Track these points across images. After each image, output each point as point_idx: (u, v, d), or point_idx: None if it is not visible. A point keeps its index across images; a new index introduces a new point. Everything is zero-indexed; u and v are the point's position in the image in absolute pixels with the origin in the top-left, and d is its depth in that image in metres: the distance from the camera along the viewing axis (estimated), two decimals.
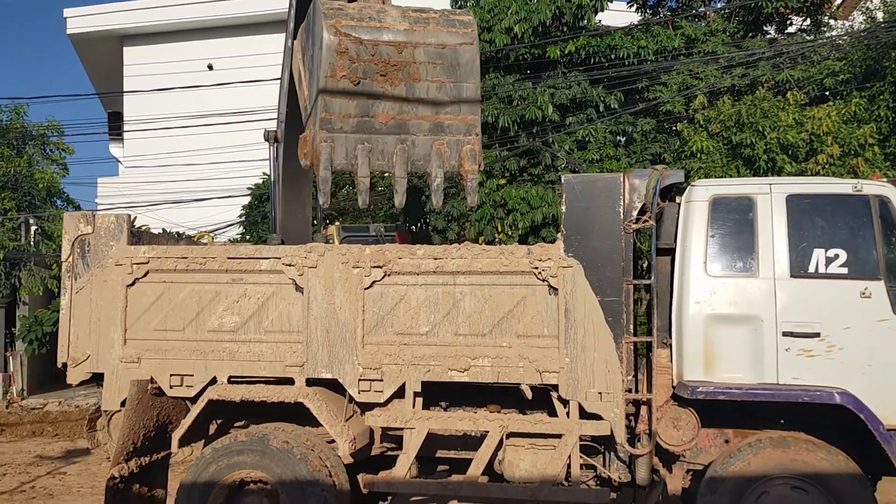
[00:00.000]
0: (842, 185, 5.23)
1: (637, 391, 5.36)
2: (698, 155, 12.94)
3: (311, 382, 5.34)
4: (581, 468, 5.29)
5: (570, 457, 5.15)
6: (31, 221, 18.91)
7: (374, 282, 5.32)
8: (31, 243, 18.52)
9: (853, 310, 4.92)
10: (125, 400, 5.34)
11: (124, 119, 20.50)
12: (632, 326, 5.20)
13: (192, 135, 18.81)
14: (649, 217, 5.22)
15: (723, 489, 4.97)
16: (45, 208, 19.18)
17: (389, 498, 6.74)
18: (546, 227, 15.90)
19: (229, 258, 5.41)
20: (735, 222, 5.19)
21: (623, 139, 15.74)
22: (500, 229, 16.52)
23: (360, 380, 5.28)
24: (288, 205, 7.09)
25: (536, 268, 5.19)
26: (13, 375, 17.15)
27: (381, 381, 5.28)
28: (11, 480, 9.18)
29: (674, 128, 14.89)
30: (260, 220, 16.86)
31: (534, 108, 16.52)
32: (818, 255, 5.02)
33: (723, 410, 5.19)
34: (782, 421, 5.22)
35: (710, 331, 5.09)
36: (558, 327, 5.15)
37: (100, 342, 5.46)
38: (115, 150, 23.33)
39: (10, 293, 17.05)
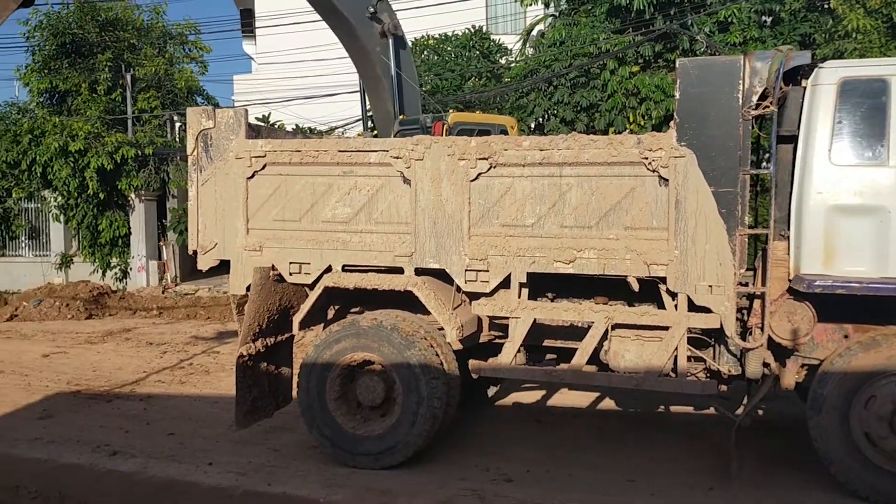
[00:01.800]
0: None
1: (753, 285, 5.25)
2: (853, 35, 11.88)
3: (419, 272, 5.56)
4: (689, 360, 5.31)
5: (676, 349, 5.17)
6: (175, 118, 20.08)
7: (479, 174, 5.39)
8: (177, 139, 19.73)
9: None
10: (250, 285, 5.78)
11: (255, 16, 21.00)
12: (746, 218, 5.03)
13: (322, 29, 19.04)
14: (770, 102, 4.94)
15: (834, 384, 4.86)
16: (186, 106, 20.27)
17: (498, 385, 7.05)
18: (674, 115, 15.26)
19: (340, 151, 5.61)
20: (865, 107, 4.85)
21: (769, 19, 14.63)
22: (631, 119, 16.03)
23: (466, 270, 5.45)
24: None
25: (646, 158, 5.08)
26: (167, 263, 18.74)
27: (487, 271, 5.42)
28: (172, 357, 10.15)
29: (826, 5, 13.67)
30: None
31: None
32: None
33: (844, 305, 5.00)
34: None
35: (832, 222, 4.87)
36: (668, 219, 5.06)
37: (225, 231, 5.88)
38: (248, 47, 24.08)
39: (160, 187, 18.36)
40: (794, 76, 5.23)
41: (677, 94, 5.06)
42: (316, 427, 5.69)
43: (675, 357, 5.20)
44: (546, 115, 16.78)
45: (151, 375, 9.02)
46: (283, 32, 19.78)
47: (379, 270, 5.68)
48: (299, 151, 5.67)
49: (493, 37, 19.43)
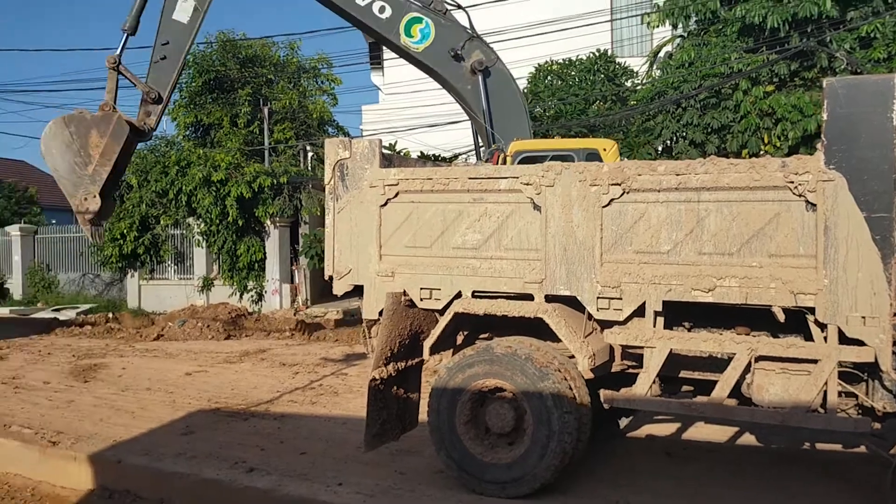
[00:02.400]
0: None
1: None
2: None
3: (549, 299, 5.47)
4: (840, 396, 4.96)
5: (826, 383, 4.84)
6: (308, 148, 20.94)
7: (612, 199, 5.26)
8: (309, 168, 20.55)
9: None
10: (382, 310, 5.87)
11: (383, 48, 21.62)
12: None
13: None
14: None
15: None
16: (318, 136, 21.12)
17: (630, 416, 6.82)
18: (821, 136, 14.52)
19: (470, 178, 5.64)
20: None
21: None
22: (766, 140, 15.38)
23: (598, 297, 5.31)
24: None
25: (792, 182, 4.81)
26: (298, 287, 19.46)
27: (620, 299, 5.26)
28: (303, 378, 10.47)
29: None
30: None
31: (808, 3, 15.01)
32: None
33: None
34: None
35: None
36: (816, 246, 4.76)
37: (359, 257, 6.01)
38: (375, 78, 24.83)
39: (293, 213, 19.14)
40: None
41: (825, 116, 4.78)
42: (444, 449, 5.69)
43: (825, 392, 4.87)
44: (674, 138, 16.36)
45: (284, 395, 9.32)
46: (409, 64, 20.24)
47: (508, 297, 5.64)
48: (430, 179, 5.73)
49: (618, 60, 19.17)
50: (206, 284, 20.01)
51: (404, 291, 5.84)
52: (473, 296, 5.69)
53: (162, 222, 19.75)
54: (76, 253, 22.46)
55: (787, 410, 4.94)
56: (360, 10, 8.56)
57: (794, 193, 4.82)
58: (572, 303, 5.48)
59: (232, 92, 20.51)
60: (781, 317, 4.89)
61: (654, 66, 18.27)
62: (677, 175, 5.11)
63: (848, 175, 4.68)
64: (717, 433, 7.01)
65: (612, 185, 5.25)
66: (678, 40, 17.95)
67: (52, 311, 19.24)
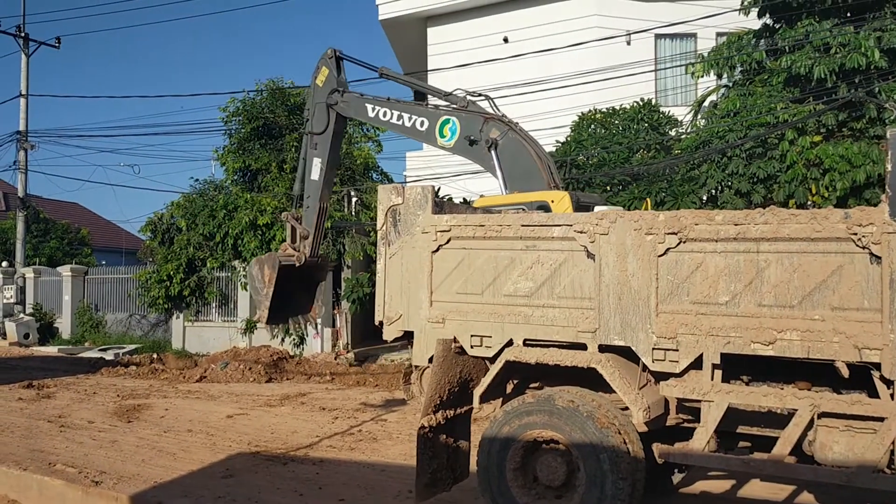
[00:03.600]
0: None
1: None
2: None
3: (603, 349, 5.37)
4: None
5: (893, 442, 4.63)
6: (353, 194, 21.14)
7: (668, 249, 5.17)
8: (353, 213, 20.72)
9: None
10: (432, 357, 5.81)
11: (428, 97, 21.94)
12: None
13: (489, 108, 19.65)
14: None
15: None
16: (363, 182, 21.34)
17: (685, 471, 6.61)
18: (870, 187, 14.22)
19: (523, 226, 5.60)
20: None
21: None
22: (813, 191, 15.13)
23: (654, 348, 5.19)
24: None
25: (855, 234, 4.68)
26: (340, 330, 19.47)
27: (677, 350, 5.13)
28: (342, 423, 10.43)
29: None
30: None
31: (856, 54, 14.88)
32: None
33: None
34: None
35: None
36: (881, 300, 4.60)
37: (409, 303, 5.98)
38: None
39: (336, 258, 19.26)
40: None
41: (888, 166, 4.66)
42: (490, 492, 5.55)
43: (893, 451, 4.66)
44: (720, 187, 16.17)
45: (324, 440, 9.27)
46: None
47: (561, 346, 5.54)
48: (483, 226, 5.71)
49: (662, 109, 19.14)
50: (249, 327, 20.13)
51: (455, 338, 5.78)
52: (525, 344, 5.60)
53: (208, 265, 20.01)
54: (124, 294, 22.85)
55: (853, 470, 4.73)
56: (405, 130, 9.96)
57: (857, 245, 4.69)
58: (626, 353, 5.37)
59: (280, 138, 20.86)
60: (846, 372, 4.72)
61: (699, 116, 18.19)
62: (736, 225, 5.01)
63: None
64: (773, 491, 6.76)
65: (669, 234, 5.17)
66: (723, 90, 17.87)
67: (99, 350, 19.53)
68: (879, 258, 4.62)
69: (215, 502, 6.62)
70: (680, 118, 19.01)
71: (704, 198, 16.57)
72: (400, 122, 9.77)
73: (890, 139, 4.72)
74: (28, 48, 26.16)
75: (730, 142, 15.84)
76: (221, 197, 20.52)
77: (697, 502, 6.70)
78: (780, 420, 5.07)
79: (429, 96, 10.73)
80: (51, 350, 20.09)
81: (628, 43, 20.33)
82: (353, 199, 21.41)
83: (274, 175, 20.70)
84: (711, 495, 6.82)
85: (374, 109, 9.88)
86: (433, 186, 6.04)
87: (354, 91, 10.40)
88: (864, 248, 4.67)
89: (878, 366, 4.63)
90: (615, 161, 18.13)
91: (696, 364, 5.12)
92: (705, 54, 17.35)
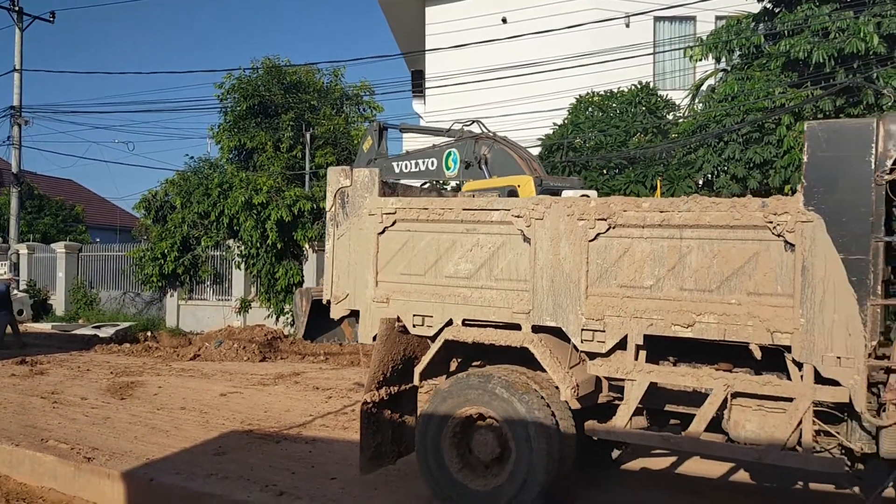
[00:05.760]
0: None
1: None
2: None
3: (536, 329, 5.73)
4: (819, 435, 5.10)
5: (801, 422, 4.98)
6: None
7: (598, 234, 5.51)
8: None
9: None
10: (376, 335, 6.18)
11: (426, 76, 22.22)
12: (879, 287, 4.81)
13: (484, 89, 19.92)
14: None
15: None
16: None
17: (623, 448, 6.98)
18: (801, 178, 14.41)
19: (464, 209, 5.94)
20: None
21: None
22: None
23: (582, 329, 5.55)
24: None
25: (771, 222, 5.00)
26: None
27: (604, 331, 5.49)
28: (336, 403, 10.70)
29: None
30: (550, 171, 17.49)
31: (855, 39, 15.05)
32: None
33: None
34: None
35: None
36: (794, 286, 4.93)
37: (356, 283, 6.34)
38: (417, 106, 25.44)
39: None
40: None
41: (806, 158, 4.97)
42: (428, 469, 5.94)
43: (801, 430, 5.00)
44: (716, 172, 16.39)
45: (317, 419, 9.51)
46: (451, 92, 20.77)
47: (497, 326, 5.90)
48: (426, 209, 6.06)
49: (659, 92, 19.33)
50: (244, 306, 20.55)
51: (398, 318, 6.14)
52: (464, 324, 5.96)
53: (203, 243, 20.42)
54: (118, 271, 23.33)
55: (764, 448, 5.09)
56: (423, 174, 11.18)
57: (773, 233, 5.01)
58: (559, 334, 5.72)
59: (275, 117, 21.22)
60: (758, 354, 5.06)
61: (697, 100, 18.37)
62: (661, 212, 5.34)
63: (826, 217, 4.86)
64: (713, 468, 7.11)
65: (599, 219, 5.50)
66: (721, 74, 18.03)
67: (93, 327, 20.00)
68: (793, 246, 4.94)
69: (207, 479, 6.78)
70: (678, 102, 19.19)
71: (700, 182, 16.81)
72: (417, 169, 10.95)
73: (808, 132, 5.02)
74: (22, 22, 26.62)
75: (727, 126, 16.04)
76: (216, 176, 20.90)
77: (635, 478, 7.07)
78: (703, 399, 5.40)
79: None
80: (44, 327, 20.60)
81: (627, 25, 20.52)
82: None
83: (269, 154, 21.07)
84: (651, 472, 7.19)
85: (398, 165, 11.06)
86: (379, 169, 6.39)
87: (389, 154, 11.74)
88: (779, 235, 4.99)
89: (788, 349, 4.97)
90: (612, 144, 18.36)
91: (622, 344, 5.48)
92: (704, 37, 17.51)
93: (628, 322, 5.41)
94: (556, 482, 5.67)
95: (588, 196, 8.11)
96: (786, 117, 15.41)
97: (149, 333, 19.48)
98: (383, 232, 6.22)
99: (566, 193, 8.36)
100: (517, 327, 5.79)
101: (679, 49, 19.32)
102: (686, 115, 18.42)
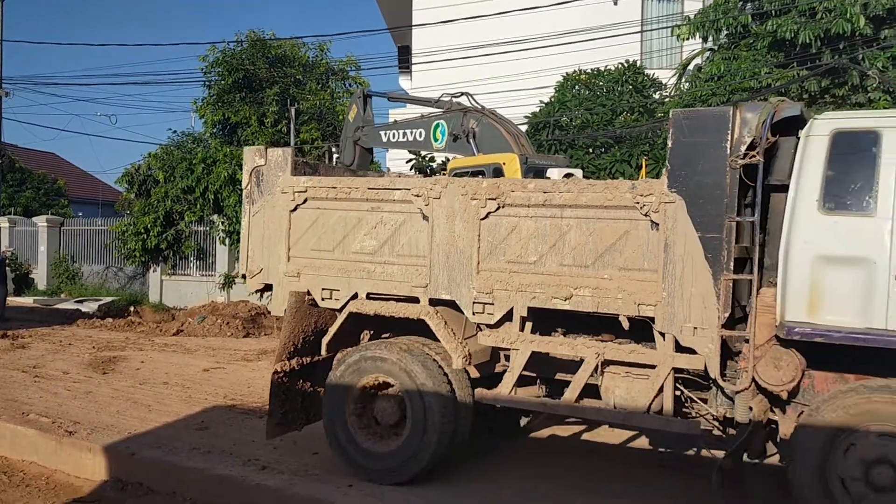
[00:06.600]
0: None
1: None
2: None
3: (433, 302, 6.34)
4: (685, 401, 5.71)
5: (662, 387, 5.59)
6: (333, 150, 22.08)
7: (489, 213, 6.10)
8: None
9: None
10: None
11: (412, 52, 22.69)
12: (731, 264, 5.38)
13: (471, 65, 20.38)
14: (758, 153, 5.29)
15: (812, 436, 5.07)
16: None
17: (531, 416, 7.62)
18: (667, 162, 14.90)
19: (369, 188, 6.55)
20: (855, 158, 5.09)
21: None
22: None
23: (474, 302, 6.15)
24: None
25: (638, 202, 5.58)
26: None
27: (493, 304, 6.09)
28: None
29: None
30: (536, 149, 17.98)
31: (842, 20, 15.44)
32: None
33: (843, 354, 5.21)
34: None
35: (817, 271, 5.14)
36: (658, 262, 5.53)
37: (269, 258, 6.96)
38: (404, 82, 25.91)
39: None
40: (794, 127, 5.54)
41: (670, 143, 5.54)
42: (334, 435, 6.53)
43: (663, 395, 5.61)
44: None
45: None
46: (438, 69, 21.26)
47: (399, 299, 6.51)
48: (335, 188, 6.66)
49: (646, 71, 19.73)
50: (228, 282, 21.09)
51: (308, 291, 6.77)
52: (368, 297, 6.59)
53: (186, 218, 21.00)
54: (100, 245, 23.95)
55: (629, 411, 5.71)
56: (411, 144, 11.42)
57: (640, 213, 5.59)
58: (455, 307, 6.33)
59: (260, 91, 21.74)
60: (626, 325, 5.67)
61: (683, 79, 18.76)
62: (544, 192, 5.93)
63: (687, 198, 5.44)
64: (617, 435, 7.72)
65: (490, 199, 6.10)
66: (708, 53, 18.41)
67: (75, 302, 20.70)
68: (658, 224, 5.52)
69: (190, 454, 7.01)
70: (664, 81, 19.59)
71: None
72: (405, 139, 11.21)
73: (672, 118, 5.58)
74: None
75: (713, 105, 16.47)
76: (200, 150, 21.46)
77: (540, 444, 7.69)
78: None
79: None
80: (26, 301, 21.29)
81: (615, 3, 20.90)
82: (335, 155, 22.34)
83: (254, 129, 21.62)
84: (559, 438, 7.81)
85: (385, 134, 11.29)
86: (293, 149, 6.99)
87: (376, 123, 11.86)
88: (645, 215, 5.58)
89: (652, 320, 5.57)
90: (598, 123, 18.82)
91: (509, 316, 6.08)
92: (692, 16, 17.89)
93: (514, 295, 6.01)
94: (449, 445, 6.29)
95: (573, 175, 8.58)
96: (771, 97, 15.79)
97: (132, 308, 20.06)
98: (295, 209, 6.82)
99: (551, 172, 8.79)
100: (417, 300, 6.40)
101: (666, 28, 19.71)
102: (672, 94, 18.83)
